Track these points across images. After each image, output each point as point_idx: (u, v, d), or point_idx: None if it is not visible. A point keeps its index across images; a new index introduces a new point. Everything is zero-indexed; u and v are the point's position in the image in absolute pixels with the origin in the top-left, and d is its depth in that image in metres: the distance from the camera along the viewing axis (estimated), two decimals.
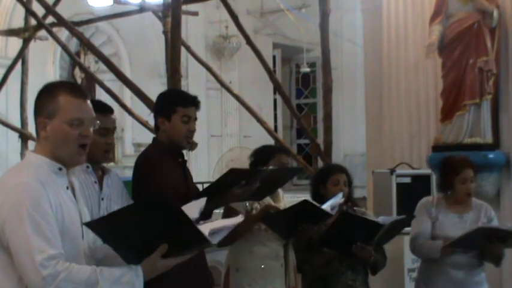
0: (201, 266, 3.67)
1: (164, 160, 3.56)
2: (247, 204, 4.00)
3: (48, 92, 2.44)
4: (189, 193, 3.51)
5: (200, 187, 4.03)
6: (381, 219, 4.05)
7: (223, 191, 3.51)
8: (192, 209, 2.48)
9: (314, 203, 3.95)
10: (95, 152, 3.12)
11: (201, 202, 2.74)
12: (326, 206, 3.87)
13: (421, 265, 4.48)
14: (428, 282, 4.31)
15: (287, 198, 4.31)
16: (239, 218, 2.59)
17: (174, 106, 3.60)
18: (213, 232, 2.38)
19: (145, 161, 3.60)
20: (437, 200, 4.34)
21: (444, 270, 4.20)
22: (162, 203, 2.27)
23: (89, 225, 2.35)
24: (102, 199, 3.28)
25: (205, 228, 2.35)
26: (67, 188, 2.44)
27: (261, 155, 4.16)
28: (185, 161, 3.73)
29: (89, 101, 2.47)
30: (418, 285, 4.45)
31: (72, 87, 2.50)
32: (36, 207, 2.25)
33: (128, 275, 2.29)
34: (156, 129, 3.73)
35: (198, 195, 3.39)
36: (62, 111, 2.38)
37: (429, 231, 4.24)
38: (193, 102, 3.65)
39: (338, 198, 3.96)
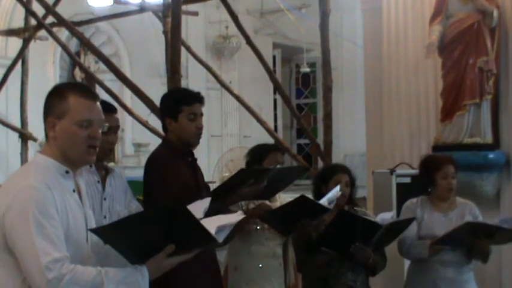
0: (212, 266, 3.70)
1: (174, 160, 3.58)
2: (242, 204, 4.01)
3: (58, 93, 2.44)
4: (200, 192, 3.51)
5: None
6: (380, 216, 4.06)
7: (232, 190, 3.52)
8: (197, 208, 2.49)
9: (311, 198, 3.95)
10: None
11: (206, 202, 2.74)
12: (323, 201, 3.89)
13: (410, 264, 4.49)
14: (418, 281, 4.31)
15: (287, 198, 4.30)
16: (239, 215, 2.61)
17: (179, 106, 3.62)
18: (219, 230, 2.40)
19: (155, 161, 3.63)
20: (422, 201, 4.37)
21: (433, 269, 4.22)
22: (172, 210, 2.29)
23: (94, 231, 2.35)
24: (105, 199, 3.28)
25: (211, 226, 2.36)
26: (73, 191, 2.44)
27: (255, 154, 4.17)
28: (195, 160, 3.74)
29: (98, 103, 2.47)
30: (408, 284, 4.45)
31: (83, 88, 2.50)
32: (42, 211, 2.26)
33: (133, 275, 2.30)
34: (164, 131, 3.76)
35: (208, 194, 3.40)
36: (72, 111, 2.39)
37: (415, 232, 4.26)
38: (197, 99, 3.67)
39: (335, 192, 3.97)
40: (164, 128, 3.73)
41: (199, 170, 3.80)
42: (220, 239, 2.41)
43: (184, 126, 3.61)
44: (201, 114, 3.67)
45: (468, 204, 4.40)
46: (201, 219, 2.48)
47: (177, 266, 2.39)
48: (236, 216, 2.58)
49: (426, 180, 4.37)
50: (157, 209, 2.39)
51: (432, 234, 4.20)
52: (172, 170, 3.54)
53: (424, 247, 4.18)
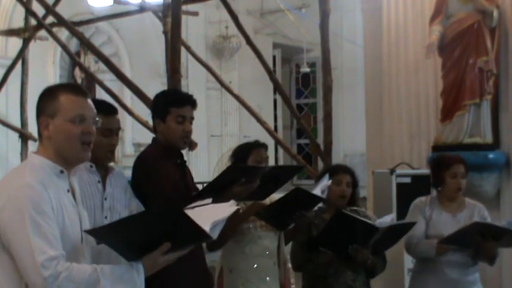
0: (201, 267, 3.67)
1: (162, 161, 3.54)
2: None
3: (49, 93, 2.47)
4: (188, 194, 3.49)
5: (200, 187, 4.01)
6: (378, 222, 4.04)
7: (223, 189, 3.50)
8: (202, 217, 2.46)
9: (305, 189, 3.96)
10: (98, 152, 3.12)
11: (211, 207, 2.70)
12: (316, 191, 3.90)
13: (415, 264, 4.48)
14: (423, 281, 4.31)
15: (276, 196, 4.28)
16: (232, 205, 2.60)
17: (168, 107, 3.56)
18: (213, 226, 2.41)
19: (144, 162, 3.59)
20: (431, 200, 4.36)
21: (439, 269, 4.21)
22: (168, 212, 2.31)
23: (90, 232, 2.38)
24: (106, 199, 3.27)
25: (205, 221, 2.37)
26: (68, 191, 2.45)
27: (239, 154, 4.11)
28: (184, 162, 3.72)
29: (89, 100, 2.50)
30: (412, 284, 4.45)
31: (73, 86, 2.55)
32: (37, 209, 2.27)
33: (129, 272, 2.32)
34: (154, 131, 3.73)
35: (198, 195, 3.38)
36: (64, 109, 2.41)
37: (423, 231, 4.25)
38: (187, 102, 3.61)
39: (326, 181, 3.98)
40: (154, 128, 3.69)
41: (189, 172, 3.76)
42: (215, 235, 2.42)
43: (171, 129, 3.55)
44: (191, 118, 3.60)
45: (477, 205, 4.38)
46: (193, 207, 2.50)
47: (166, 269, 2.40)
48: (229, 208, 2.58)
49: (435, 178, 4.35)
50: (152, 211, 2.40)
51: (440, 234, 4.18)
52: (162, 169, 3.50)
53: (431, 246, 4.17)
